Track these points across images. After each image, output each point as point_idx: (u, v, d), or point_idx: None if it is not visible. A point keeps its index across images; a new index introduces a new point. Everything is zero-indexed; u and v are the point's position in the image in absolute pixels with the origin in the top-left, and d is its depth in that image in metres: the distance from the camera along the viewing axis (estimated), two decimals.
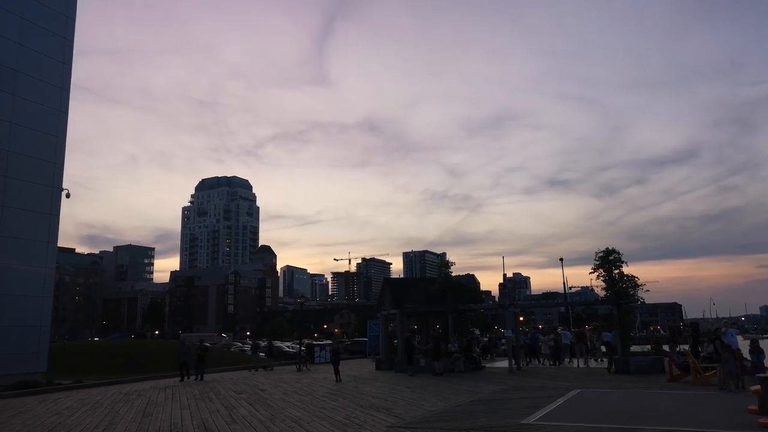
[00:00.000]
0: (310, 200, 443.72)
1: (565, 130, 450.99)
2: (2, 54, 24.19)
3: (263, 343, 47.12)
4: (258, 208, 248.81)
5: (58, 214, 26.22)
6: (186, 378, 23.74)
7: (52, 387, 21.34)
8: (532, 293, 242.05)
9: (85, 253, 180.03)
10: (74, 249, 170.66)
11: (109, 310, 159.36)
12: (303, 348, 32.97)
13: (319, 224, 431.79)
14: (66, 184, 26.69)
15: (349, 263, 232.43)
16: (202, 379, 23.81)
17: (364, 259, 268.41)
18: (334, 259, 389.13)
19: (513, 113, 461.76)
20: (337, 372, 21.50)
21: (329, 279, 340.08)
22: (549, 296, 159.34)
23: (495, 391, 16.86)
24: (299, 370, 28.97)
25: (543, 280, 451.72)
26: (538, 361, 27.64)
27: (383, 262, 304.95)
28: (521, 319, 44.87)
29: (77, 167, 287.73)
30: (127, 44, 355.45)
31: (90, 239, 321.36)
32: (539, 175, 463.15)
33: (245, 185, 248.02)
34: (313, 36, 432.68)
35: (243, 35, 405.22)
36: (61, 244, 28.48)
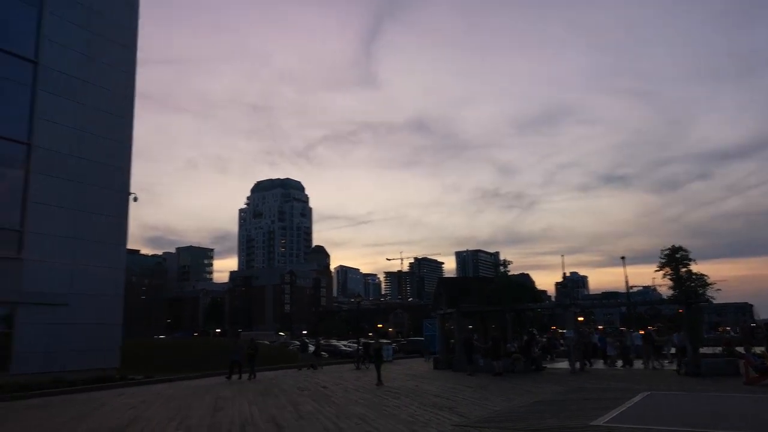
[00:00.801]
0: (362, 201, 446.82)
1: (620, 125, 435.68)
2: (72, 65, 25.53)
3: (322, 341, 47.87)
4: (311, 209, 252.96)
5: (127, 218, 27.49)
6: (236, 376, 23.67)
7: (125, 382, 22.45)
8: (591, 293, 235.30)
9: (150, 254, 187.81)
10: (139, 251, 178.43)
11: (172, 309, 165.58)
12: (360, 347, 33.29)
13: (371, 224, 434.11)
14: (132, 188, 27.92)
15: (401, 263, 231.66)
16: (254, 377, 23.79)
17: (416, 259, 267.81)
18: (387, 259, 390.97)
19: (566, 109, 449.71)
20: (378, 372, 20.19)
21: (382, 279, 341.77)
22: (608, 296, 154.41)
23: (558, 391, 16.54)
24: (358, 368, 29.30)
25: (601, 279, 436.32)
26: (604, 362, 26.85)
27: (435, 261, 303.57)
28: (581, 319, 43.81)
29: (141, 172, 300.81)
30: (185, 53, 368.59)
31: (154, 241, 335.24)
32: (594, 171, 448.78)
33: (298, 187, 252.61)
34: (361, 38, 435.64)
35: (293, 40, 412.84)
36: (128, 246, 29.78)
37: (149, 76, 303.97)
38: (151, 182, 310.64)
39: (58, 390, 19.08)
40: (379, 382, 19.60)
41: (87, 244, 25.00)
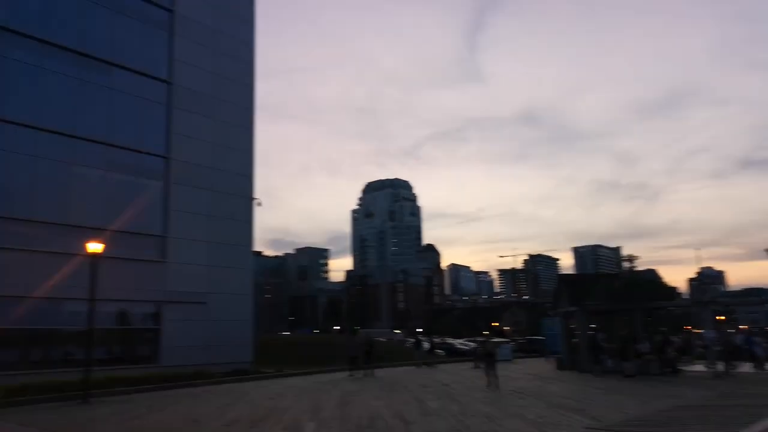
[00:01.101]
0: (471, 197, 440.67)
1: (758, 103, 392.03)
2: (200, 83, 27.71)
3: (438, 340, 47.93)
4: (420, 207, 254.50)
5: (253, 222, 29.33)
6: (355, 372, 24.20)
7: (259, 375, 24.02)
8: (729, 289, 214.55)
9: (272, 255, 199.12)
10: (262, 252, 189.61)
11: (293, 307, 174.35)
12: (479, 346, 32.82)
13: (482, 221, 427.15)
14: (255, 194, 29.71)
15: (515, 260, 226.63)
16: (370, 373, 24.17)
17: (530, 256, 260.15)
18: (499, 256, 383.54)
19: (692, 89, 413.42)
20: (489, 375, 18.80)
21: (495, 276, 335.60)
22: (751, 292, 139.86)
23: (702, 396, 15.26)
24: (476, 367, 28.92)
25: (742, 274, 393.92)
26: (753, 365, 24.29)
27: (550, 258, 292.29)
28: (721, 318, 40.10)
29: (260, 178, 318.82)
30: (294, 63, 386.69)
31: (273, 243, 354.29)
32: (729, 155, 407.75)
33: (407, 186, 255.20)
34: (465, 33, 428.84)
35: (397, 41, 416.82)
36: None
37: (263, 87, 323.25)
38: (268, 187, 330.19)
39: (201, 381, 20.79)
40: (490, 384, 18.60)
41: (220, 247, 27.03)
